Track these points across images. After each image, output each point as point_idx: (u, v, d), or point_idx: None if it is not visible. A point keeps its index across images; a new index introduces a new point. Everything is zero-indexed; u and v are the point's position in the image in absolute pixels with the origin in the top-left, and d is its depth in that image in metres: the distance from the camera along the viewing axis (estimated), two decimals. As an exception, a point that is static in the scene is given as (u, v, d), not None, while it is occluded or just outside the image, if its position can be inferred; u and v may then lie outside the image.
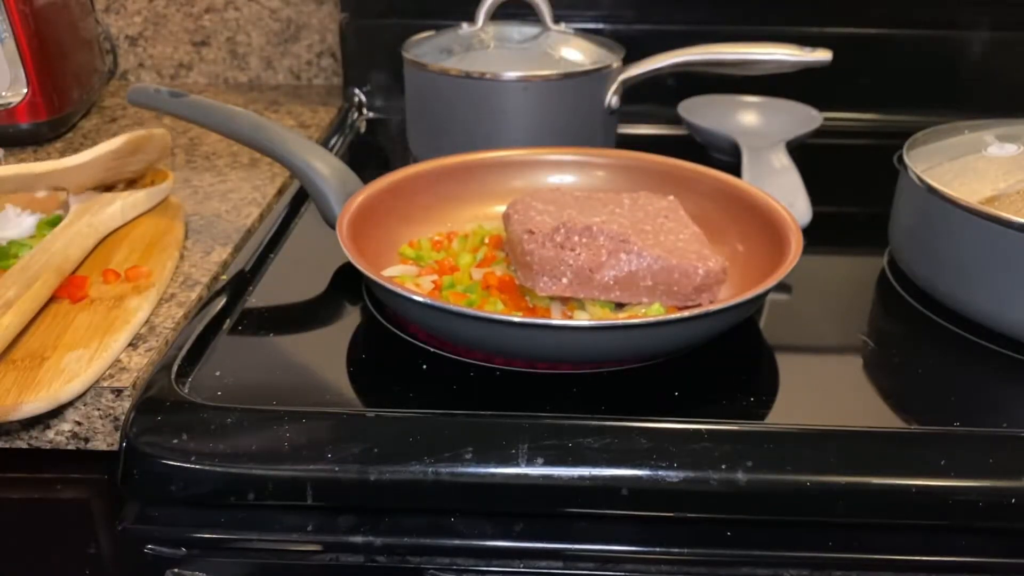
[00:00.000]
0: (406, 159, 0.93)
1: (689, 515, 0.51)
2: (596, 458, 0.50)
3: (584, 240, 0.61)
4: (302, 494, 0.50)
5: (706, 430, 0.51)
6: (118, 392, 0.56)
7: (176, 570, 0.52)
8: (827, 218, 0.79)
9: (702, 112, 0.98)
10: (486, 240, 0.71)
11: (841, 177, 0.94)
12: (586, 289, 0.61)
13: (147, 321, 0.63)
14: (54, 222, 0.74)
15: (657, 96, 1.00)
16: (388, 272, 0.67)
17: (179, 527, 0.52)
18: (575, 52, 0.89)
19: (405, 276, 0.66)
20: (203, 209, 0.81)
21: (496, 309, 0.61)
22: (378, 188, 0.70)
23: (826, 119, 0.95)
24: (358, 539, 0.51)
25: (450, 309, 0.55)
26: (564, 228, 0.61)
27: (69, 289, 0.64)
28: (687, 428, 0.52)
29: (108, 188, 0.80)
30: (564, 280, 0.60)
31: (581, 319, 0.61)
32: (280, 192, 0.86)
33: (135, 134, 0.77)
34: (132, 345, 0.60)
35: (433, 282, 0.65)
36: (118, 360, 0.59)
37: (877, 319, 0.67)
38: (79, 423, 0.57)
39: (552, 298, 0.62)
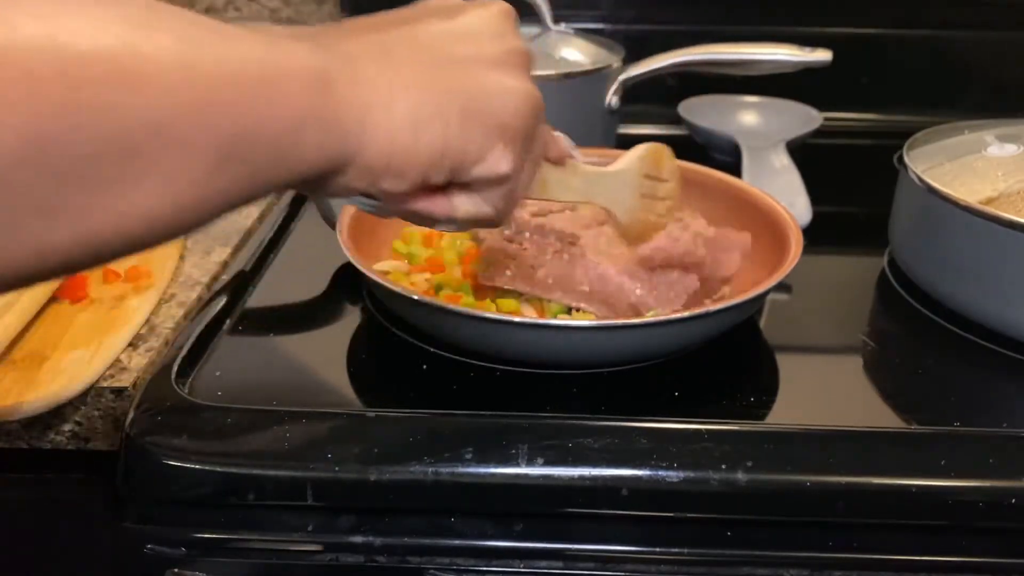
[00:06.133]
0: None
1: (689, 515, 0.51)
2: (596, 458, 0.50)
3: (535, 237, 0.62)
4: (302, 494, 0.50)
5: (706, 430, 0.51)
6: (118, 392, 0.56)
7: (176, 570, 0.52)
8: (827, 218, 0.79)
9: (702, 112, 0.98)
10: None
11: (841, 177, 0.93)
12: (527, 284, 0.61)
13: (147, 321, 0.63)
14: (54, 222, 0.74)
15: (657, 96, 1.00)
16: (379, 267, 0.67)
17: (179, 527, 0.52)
18: (575, 52, 0.89)
19: (397, 273, 0.66)
20: (203, 209, 0.81)
21: (491, 310, 0.61)
22: (378, 188, 0.70)
23: (826, 119, 0.95)
24: (358, 539, 0.51)
25: (452, 310, 0.55)
26: (515, 223, 0.62)
27: (69, 289, 0.64)
28: (687, 428, 0.52)
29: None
30: (507, 272, 0.61)
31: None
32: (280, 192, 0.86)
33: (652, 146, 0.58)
34: (132, 345, 0.60)
35: (427, 280, 0.65)
36: (118, 360, 0.59)
37: (877, 319, 0.67)
38: (79, 423, 0.57)
39: (524, 301, 0.62)
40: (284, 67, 0.30)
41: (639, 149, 0.57)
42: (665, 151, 0.58)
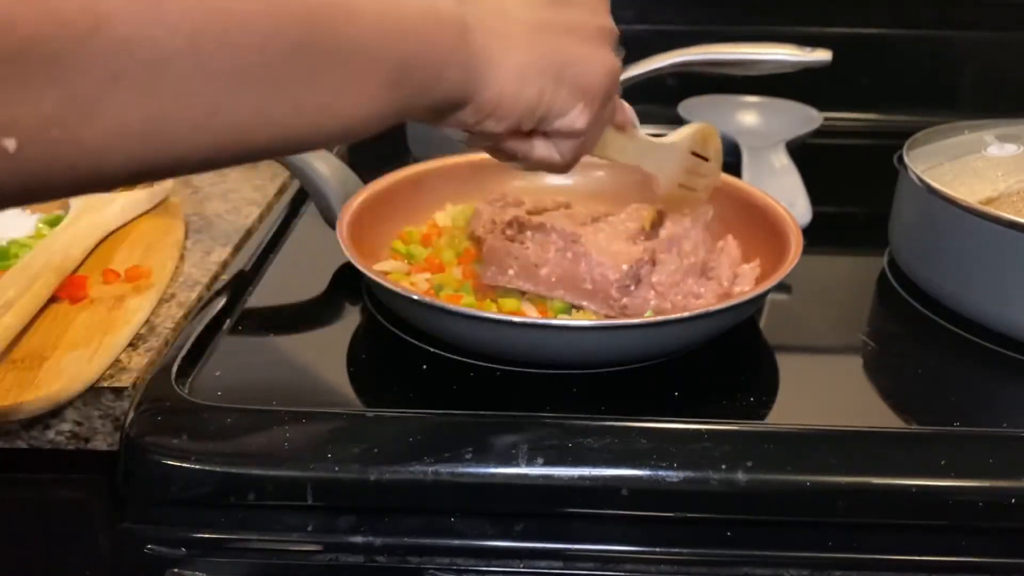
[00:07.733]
0: (406, 159, 0.93)
1: (689, 515, 0.51)
2: (596, 458, 0.50)
3: (537, 236, 0.62)
4: (302, 494, 0.50)
5: (706, 430, 0.51)
6: (118, 392, 0.56)
7: (176, 570, 0.52)
8: (827, 218, 0.79)
9: (702, 112, 0.97)
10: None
11: (841, 177, 0.93)
12: (531, 283, 0.61)
13: (147, 321, 0.63)
14: (54, 222, 0.74)
15: (657, 96, 0.99)
16: (379, 267, 0.67)
17: (179, 527, 0.52)
18: (575, 52, 0.89)
19: (397, 273, 0.66)
20: (203, 209, 0.81)
21: (491, 310, 0.61)
22: (378, 188, 0.70)
23: (826, 119, 0.95)
24: (358, 539, 0.51)
25: (452, 310, 0.55)
26: (517, 222, 0.62)
27: (69, 289, 0.64)
28: (687, 428, 0.52)
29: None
30: (510, 272, 0.61)
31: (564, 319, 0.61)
32: (280, 192, 0.86)
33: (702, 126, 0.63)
34: (132, 345, 0.60)
35: (427, 280, 0.65)
36: (118, 360, 0.59)
37: (877, 319, 0.67)
38: (79, 423, 0.57)
39: (526, 300, 0.62)
40: (440, 14, 0.38)
41: (690, 127, 0.62)
42: (714, 132, 0.63)
